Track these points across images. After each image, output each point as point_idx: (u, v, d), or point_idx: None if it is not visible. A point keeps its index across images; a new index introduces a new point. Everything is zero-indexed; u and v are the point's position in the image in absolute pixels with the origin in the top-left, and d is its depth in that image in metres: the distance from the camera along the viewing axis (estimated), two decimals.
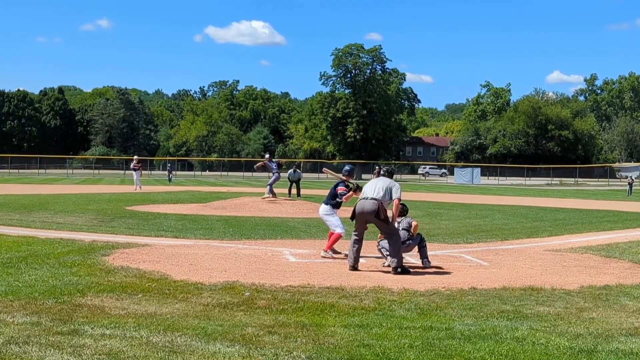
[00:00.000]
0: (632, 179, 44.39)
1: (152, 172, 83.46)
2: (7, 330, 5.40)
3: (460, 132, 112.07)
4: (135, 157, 37.70)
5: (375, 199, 9.38)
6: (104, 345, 5.03)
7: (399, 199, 9.56)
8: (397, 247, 9.26)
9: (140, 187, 33.33)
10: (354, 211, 9.61)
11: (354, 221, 9.65)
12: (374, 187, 9.56)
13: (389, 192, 9.49)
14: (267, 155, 25.23)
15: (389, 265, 9.43)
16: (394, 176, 10.34)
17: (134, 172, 34.67)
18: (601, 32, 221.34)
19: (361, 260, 9.69)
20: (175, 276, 8.30)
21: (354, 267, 9.39)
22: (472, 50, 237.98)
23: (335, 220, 10.85)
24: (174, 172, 59.73)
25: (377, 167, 10.27)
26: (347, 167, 11.38)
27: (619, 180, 75.65)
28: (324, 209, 11.03)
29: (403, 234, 9.78)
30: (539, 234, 15.01)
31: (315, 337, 5.40)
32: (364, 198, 9.54)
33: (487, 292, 7.68)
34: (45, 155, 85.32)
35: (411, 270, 9.36)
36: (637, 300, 7.36)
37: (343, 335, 5.50)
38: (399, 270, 9.12)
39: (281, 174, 25.35)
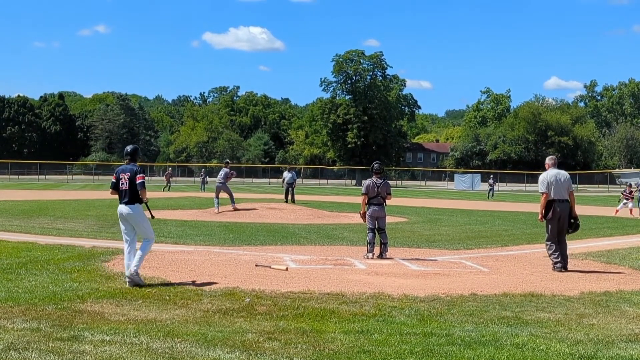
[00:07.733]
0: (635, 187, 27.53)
1: (152, 178, 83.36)
2: (6, 337, 5.40)
3: (461, 138, 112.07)
4: None
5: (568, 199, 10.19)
6: (103, 351, 5.03)
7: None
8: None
9: None
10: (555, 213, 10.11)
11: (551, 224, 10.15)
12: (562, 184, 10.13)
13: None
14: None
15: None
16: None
17: None
18: (598, 39, 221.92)
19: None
20: (175, 282, 8.30)
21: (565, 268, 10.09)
22: (471, 56, 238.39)
23: None
24: (207, 180, 51.82)
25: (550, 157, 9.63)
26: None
27: (619, 186, 75.55)
28: None
29: None
30: (539, 240, 14.94)
31: (315, 343, 5.40)
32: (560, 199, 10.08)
33: (488, 298, 7.67)
34: (45, 161, 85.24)
35: None
36: (638, 306, 7.35)
37: (343, 341, 5.50)
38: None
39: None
